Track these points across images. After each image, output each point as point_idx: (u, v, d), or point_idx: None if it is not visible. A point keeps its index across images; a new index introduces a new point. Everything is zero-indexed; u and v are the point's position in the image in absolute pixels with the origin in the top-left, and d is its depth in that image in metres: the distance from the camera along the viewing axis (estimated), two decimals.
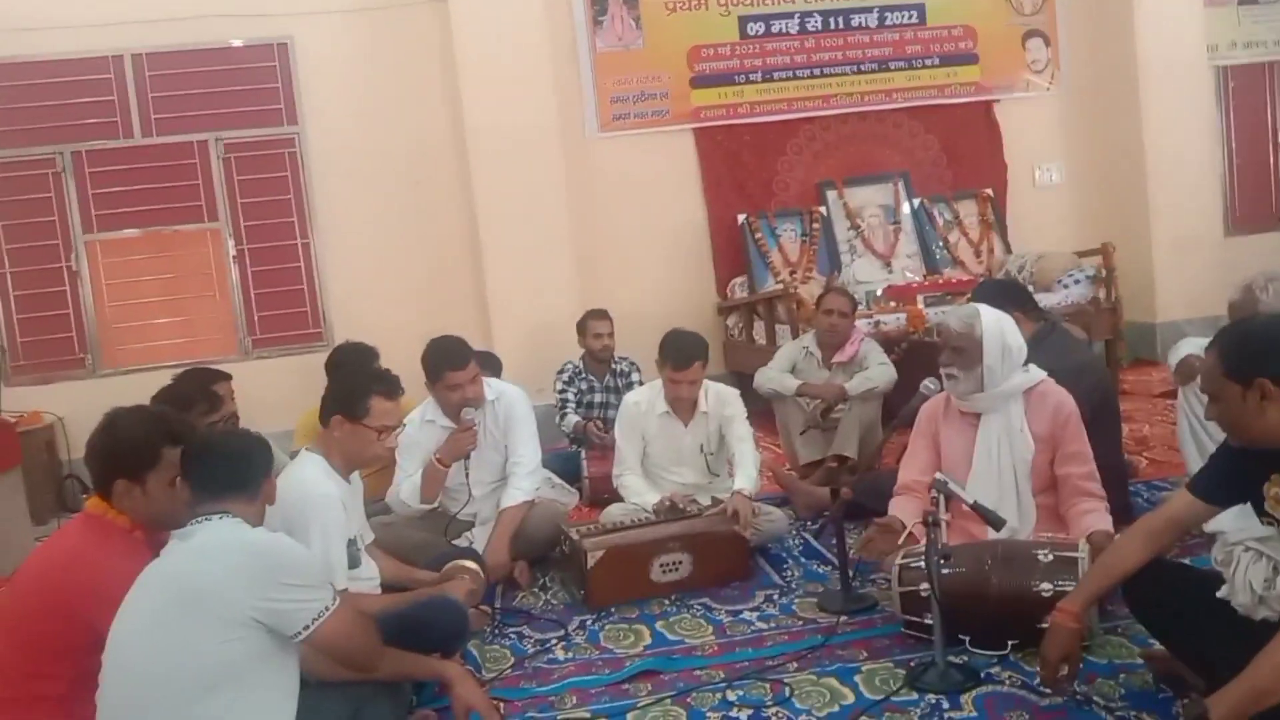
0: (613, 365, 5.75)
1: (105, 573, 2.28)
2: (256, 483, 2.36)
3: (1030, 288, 6.41)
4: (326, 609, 2.19)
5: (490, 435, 4.10)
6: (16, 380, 6.72)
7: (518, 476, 4.07)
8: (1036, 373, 3.38)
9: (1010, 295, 3.99)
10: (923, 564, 2.81)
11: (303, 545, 2.43)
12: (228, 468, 2.34)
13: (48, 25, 6.57)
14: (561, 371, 5.75)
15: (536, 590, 3.89)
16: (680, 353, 4.15)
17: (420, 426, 4.05)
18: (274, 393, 6.06)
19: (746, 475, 4.03)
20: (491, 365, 5.17)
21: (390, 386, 3.20)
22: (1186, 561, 3.16)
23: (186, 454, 2.39)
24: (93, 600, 2.24)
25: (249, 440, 2.46)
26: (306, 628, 2.15)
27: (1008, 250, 7.49)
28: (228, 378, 4.16)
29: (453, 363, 3.96)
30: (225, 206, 6.93)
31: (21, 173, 6.73)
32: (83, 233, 6.80)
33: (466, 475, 3.99)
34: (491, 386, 4.16)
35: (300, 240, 7.04)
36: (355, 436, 3.10)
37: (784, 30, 7.63)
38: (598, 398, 5.69)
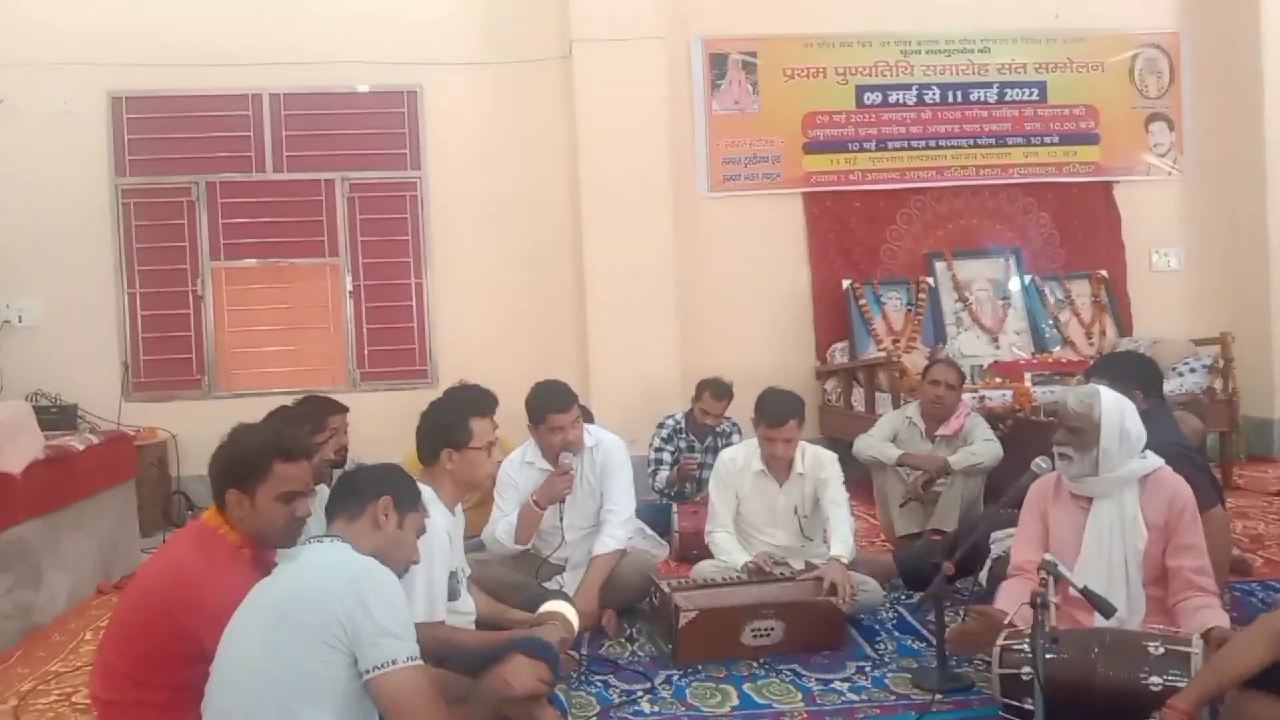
0: (718, 427, 5.71)
1: (209, 589, 2.34)
2: (359, 504, 2.43)
3: None
4: (394, 662, 2.14)
5: (586, 481, 4.14)
6: (136, 396, 7.02)
7: (611, 524, 4.09)
8: (1154, 459, 3.27)
9: (1136, 370, 3.84)
10: (1026, 646, 2.73)
11: (404, 594, 2.38)
12: (336, 493, 2.47)
13: (194, 63, 6.96)
14: (661, 426, 5.72)
15: (623, 640, 3.88)
16: (775, 410, 4.14)
17: (520, 467, 4.12)
18: (376, 426, 6.18)
19: (843, 542, 3.97)
20: (585, 415, 5.21)
21: (480, 404, 3.32)
22: None
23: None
24: (197, 615, 2.31)
25: (362, 469, 2.56)
26: (372, 670, 2.13)
27: (1121, 333, 7.31)
28: (344, 410, 4.28)
29: (557, 405, 4.02)
30: (346, 243, 7.20)
31: (159, 199, 7.09)
32: (210, 260, 7.12)
33: (561, 519, 4.03)
34: (590, 434, 4.20)
35: (414, 280, 7.27)
36: (466, 462, 3.20)
37: (900, 101, 7.65)
38: (696, 458, 5.63)
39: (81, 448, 4.67)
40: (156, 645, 2.36)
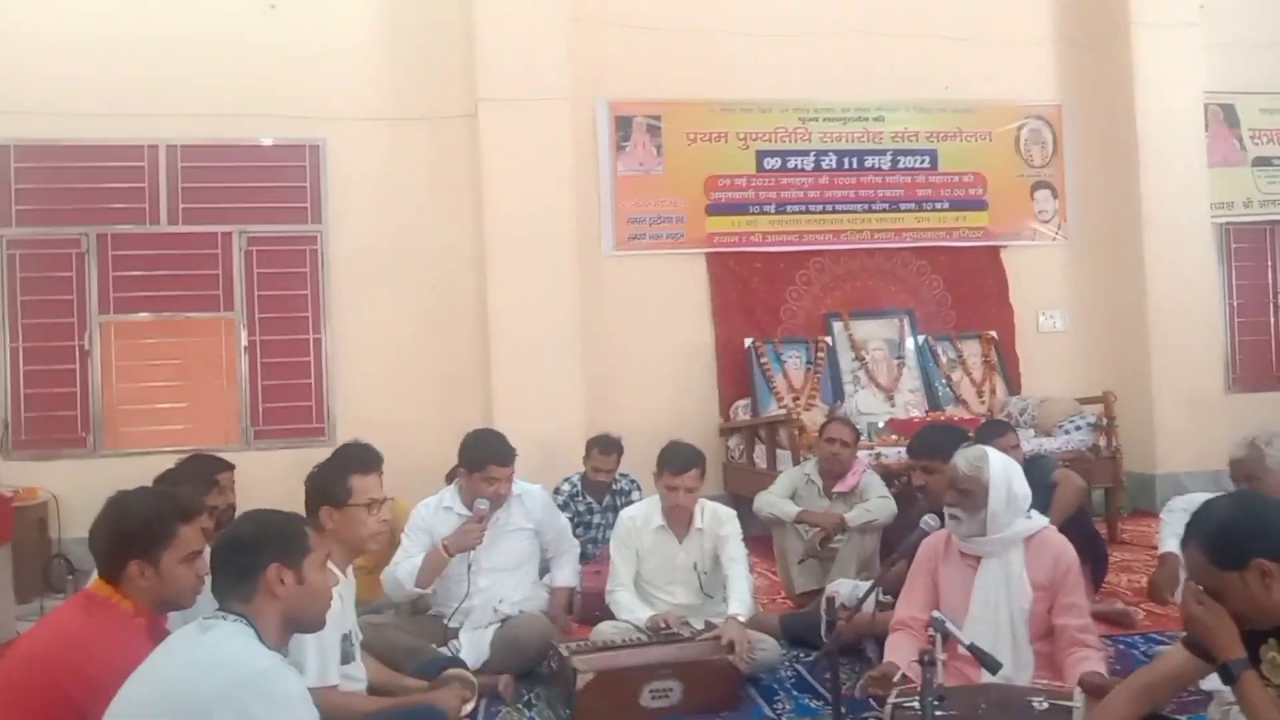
0: (612, 485, 5.71)
1: (100, 661, 2.23)
2: (248, 582, 2.19)
3: (1031, 431, 6.50)
4: None
5: (510, 526, 4.23)
6: (16, 455, 6.73)
7: (569, 557, 4.38)
8: (1038, 520, 3.38)
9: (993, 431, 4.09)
10: (917, 704, 2.77)
11: (303, 690, 2.17)
12: (219, 575, 2.23)
13: (89, 111, 6.82)
14: (558, 492, 5.64)
15: (521, 706, 3.81)
16: (677, 458, 4.18)
17: (435, 511, 4.15)
18: (271, 484, 6.01)
19: (740, 600, 3.99)
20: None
21: (363, 461, 3.24)
22: (1182, 719, 3.11)
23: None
24: (83, 688, 2.20)
25: (232, 541, 2.27)
26: None
27: (1010, 392, 7.57)
28: (230, 468, 4.18)
29: (500, 458, 4.11)
30: (242, 297, 7.05)
31: (46, 251, 6.88)
32: (99, 313, 6.90)
33: (469, 567, 4.01)
34: (518, 486, 4.30)
35: (313, 335, 7.15)
36: (347, 520, 3.11)
37: (799, 166, 7.88)
38: (595, 519, 5.61)
39: None
40: (38, 717, 2.23)
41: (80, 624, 2.37)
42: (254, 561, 2.21)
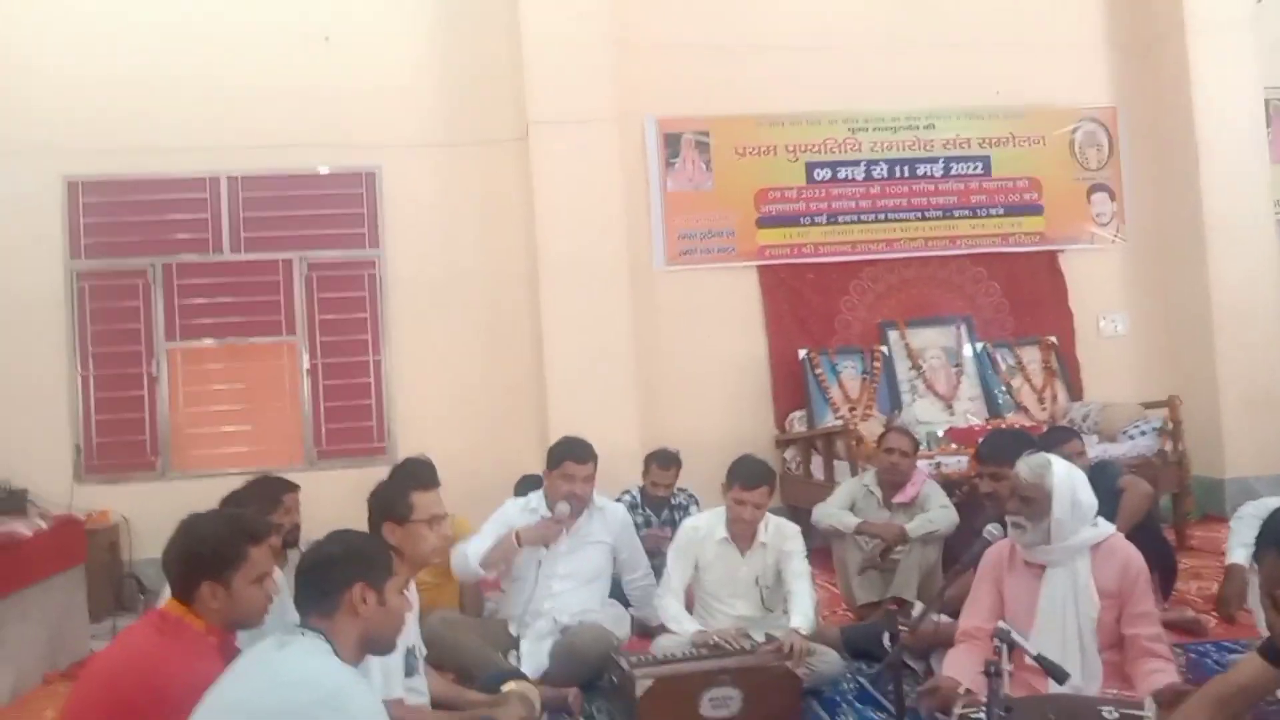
0: (671, 500, 5.71)
1: (174, 679, 2.29)
2: (332, 599, 2.25)
3: (1094, 437, 6.39)
4: None
5: (587, 538, 4.33)
6: (88, 479, 6.91)
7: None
8: (1105, 527, 3.33)
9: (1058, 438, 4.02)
10: (983, 715, 2.74)
11: (379, 704, 2.23)
12: (303, 590, 2.30)
13: (151, 147, 7.02)
14: (617, 501, 5.71)
15: (584, 719, 3.83)
16: (750, 473, 4.20)
17: (521, 511, 4.29)
18: (335, 504, 6.10)
19: (803, 614, 3.98)
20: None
21: (424, 478, 3.30)
22: None
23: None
24: (161, 705, 2.25)
25: (321, 556, 2.35)
26: None
27: (1072, 397, 7.45)
28: (295, 489, 4.24)
29: (576, 455, 4.26)
30: (304, 322, 7.20)
31: (114, 282, 7.08)
32: (165, 340, 7.08)
33: (538, 567, 4.14)
34: (600, 499, 4.45)
35: (373, 357, 7.27)
36: (409, 536, 3.15)
37: (849, 176, 7.85)
38: (666, 530, 5.61)
39: (29, 533, 4.58)
40: None
41: (155, 643, 2.43)
42: (340, 580, 2.28)
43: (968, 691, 3.13)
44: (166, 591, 2.59)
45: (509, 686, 3.36)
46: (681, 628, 4.07)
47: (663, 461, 5.70)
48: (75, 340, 7.01)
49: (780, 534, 4.26)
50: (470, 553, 4.17)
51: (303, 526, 4.31)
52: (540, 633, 4.11)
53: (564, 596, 4.26)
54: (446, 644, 3.77)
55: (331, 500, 5.86)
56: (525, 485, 6.06)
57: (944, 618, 3.76)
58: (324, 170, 7.31)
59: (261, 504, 3.95)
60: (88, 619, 5.31)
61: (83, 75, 7.02)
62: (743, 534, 4.25)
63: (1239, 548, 4.08)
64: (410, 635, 3.16)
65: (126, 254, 7.08)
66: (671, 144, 7.65)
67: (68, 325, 7.00)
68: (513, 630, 4.17)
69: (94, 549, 5.83)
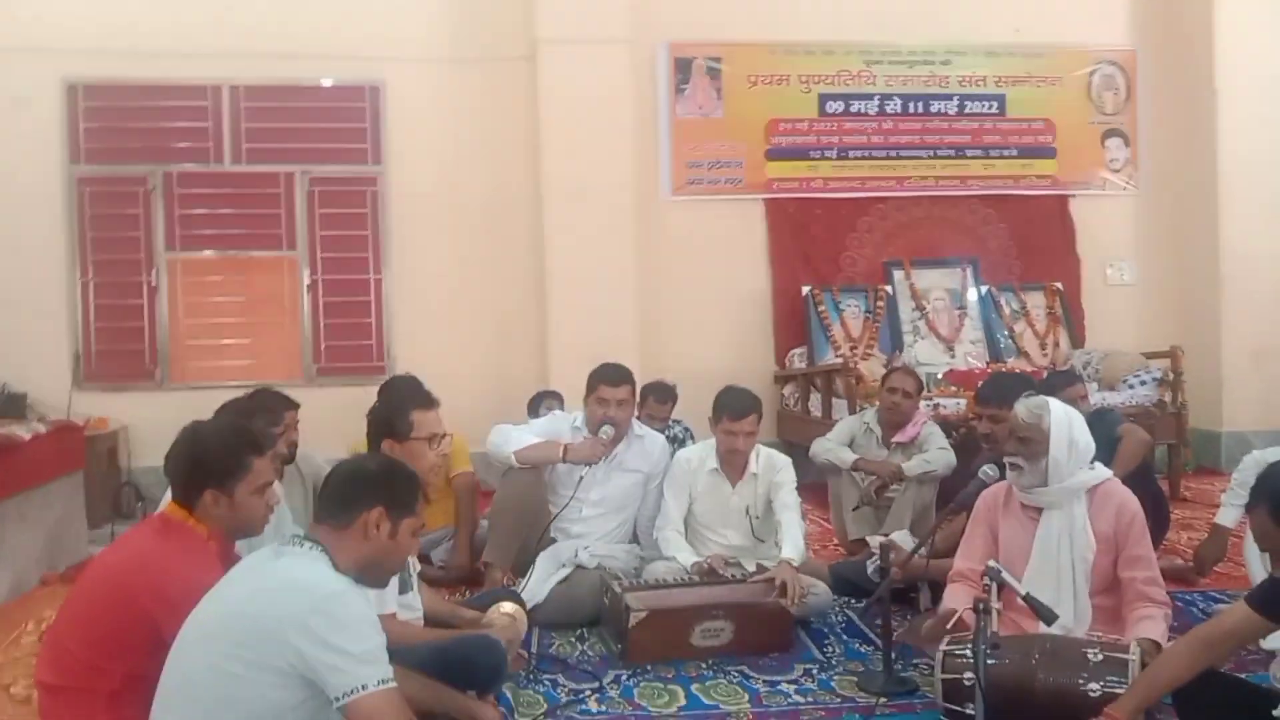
0: (666, 431, 5.71)
1: (176, 579, 2.31)
2: (349, 513, 2.24)
3: (1095, 385, 6.39)
4: (364, 687, 2.05)
5: (623, 464, 4.31)
6: (87, 386, 6.91)
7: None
8: (1102, 471, 3.33)
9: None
10: (968, 652, 2.76)
11: (373, 615, 2.23)
12: (326, 496, 2.31)
13: (154, 52, 6.89)
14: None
15: (574, 640, 3.88)
16: (737, 404, 4.19)
17: (571, 428, 4.32)
18: (332, 420, 6.13)
19: (794, 545, 3.99)
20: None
21: (424, 398, 3.31)
22: (1243, 677, 3.06)
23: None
24: (160, 603, 2.28)
25: (356, 470, 2.37)
26: (343, 697, 2.05)
27: (1074, 345, 7.43)
28: (295, 406, 4.24)
29: (607, 378, 4.22)
30: (304, 237, 7.14)
31: (114, 189, 7.01)
32: (165, 250, 7.03)
33: (579, 481, 4.18)
34: (640, 428, 4.45)
35: (373, 275, 7.23)
36: (408, 454, 3.15)
37: (863, 110, 7.73)
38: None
39: (28, 437, 4.60)
40: (115, 630, 2.33)
41: (157, 545, 2.45)
42: (365, 497, 2.27)
43: (958, 622, 3.15)
44: (167, 497, 2.60)
45: (503, 607, 3.38)
46: (683, 559, 4.09)
47: (659, 395, 5.69)
48: (76, 246, 6.96)
49: (771, 465, 4.28)
50: (513, 437, 4.20)
51: (300, 442, 4.33)
52: (558, 556, 4.12)
53: (593, 521, 4.27)
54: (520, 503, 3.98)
55: (329, 417, 5.91)
56: (537, 401, 6.08)
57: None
58: (327, 83, 7.19)
59: (263, 416, 3.95)
60: (86, 524, 5.37)
61: None
62: (733, 465, 4.26)
63: (1230, 508, 4.11)
64: None
65: (127, 160, 7.00)
66: (682, 69, 7.52)
67: (67, 231, 6.94)
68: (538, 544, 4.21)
69: (93, 456, 5.88)
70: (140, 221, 7.02)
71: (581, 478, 4.20)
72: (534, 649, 3.72)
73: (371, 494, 2.28)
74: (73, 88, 6.92)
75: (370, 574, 2.32)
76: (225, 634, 2.09)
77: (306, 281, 7.15)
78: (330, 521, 2.26)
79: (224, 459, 2.48)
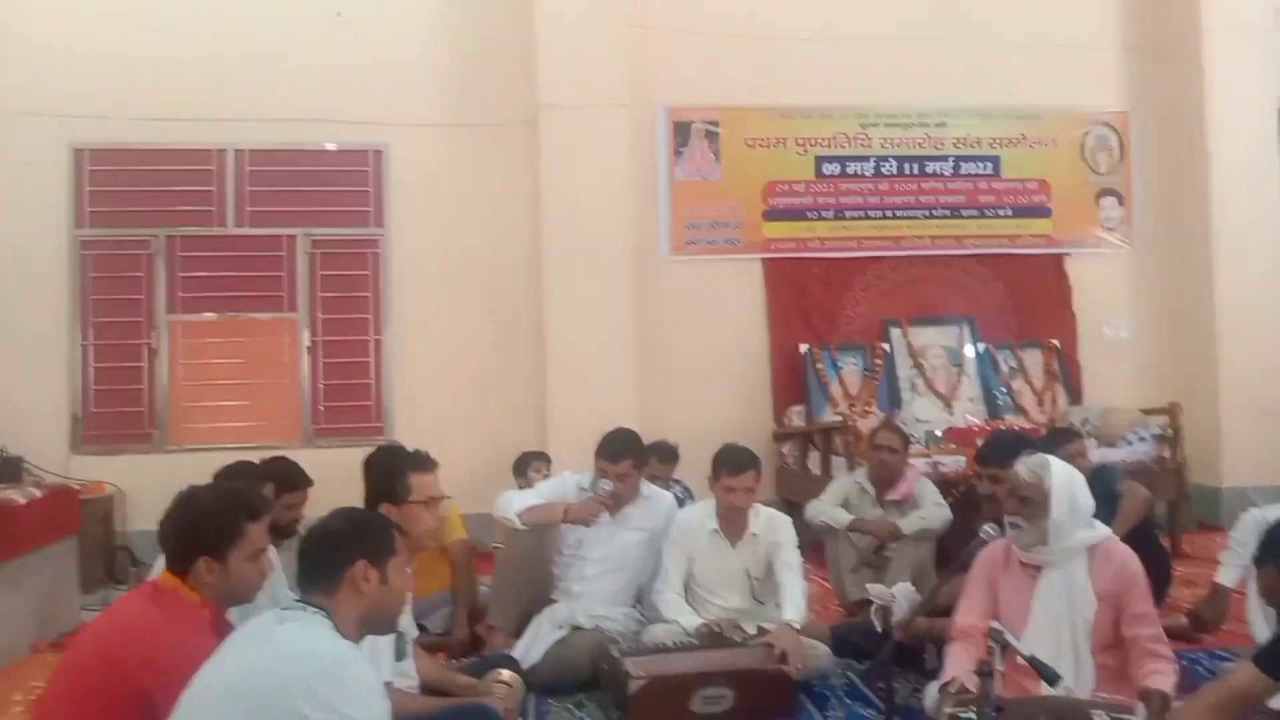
0: (667, 490, 5.67)
1: (168, 648, 2.28)
2: (334, 575, 2.23)
3: (1093, 441, 6.38)
4: None
5: (628, 524, 4.29)
6: (84, 449, 6.90)
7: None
8: (1102, 529, 3.31)
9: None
10: (974, 715, 2.73)
11: (376, 681, 2.23)
12: (305, 565, 2.28)
13: (159, 116, 6.99)
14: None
15: (571, 706, 3.82)
16: (735, 459, 4.18)
17: (576, 488, 4.29)
18: (331, 483, 6.09)
19: (795, 607, 3.95)
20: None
21: (421, 460, 3.28)
22: None
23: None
24: (154, 672, 2.24)
25: (324, 533, 2.33)
26: None
27: (1072, 401, 7.43)
28: (311, 483, 4.24)
29: (606, 454, 4.20)
30: (305, 298, 7.18)
31: (116, 251, 7.06)
32: (166, 312, 7.06)
33: (579, 545, 4.19)
34: (648, 488, 4.43)
35: (373, 337, 7.25)
36: (406, 517, 3.12)
37: (859, 171, 7.82)
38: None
39: (23, 501, 4.58)
40: (106, 702, 2.28)
41: (149, 613, 2.41)
42: (343, 556, 2.26)
43: (960, 689, 3.11)
44: (160, 564, 2.57)
45: (501, 675, 3.34)
46: (685, 622, 4.04)
47: (664, 456, 5.70)
48: (77, 309, 6.99)
49: (771, 525, 4.25)
50: (515, 500, 4.20)
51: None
52: (555, 618, 4.09)
53: (596, 580, 4.23)
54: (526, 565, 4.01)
55: (328, 479, 5.88)
56: (522, 462, 6.07)
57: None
58: (331, 146, 7.28)
59: (278, 480, 3.97)
60: (79, 590, 5.31)
61: (93, 44, 7.00)
62: (733, 525, 4.23)
63: (1231, 568, 4.09)
64: (401, 620, 3.13)
65: (131, 224, 7.06)
66: (681, 132, 7.62)
67: (70, 293, 6.98)
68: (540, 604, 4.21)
69: (88, 519, 5.83)
70: (142, 284, 7.06)
71: (580, 539, 4.17)
72: (530, 717, 3.66)
73: (347, 550, 2.27)
74: (79, 152, 7.01)
75: (376, 624, 2.31)
76: (233, 702, 2.05)
77: (306, 343, 7.17)
78: (319, 588, 2.24)
79: (218, 525, 2.45)
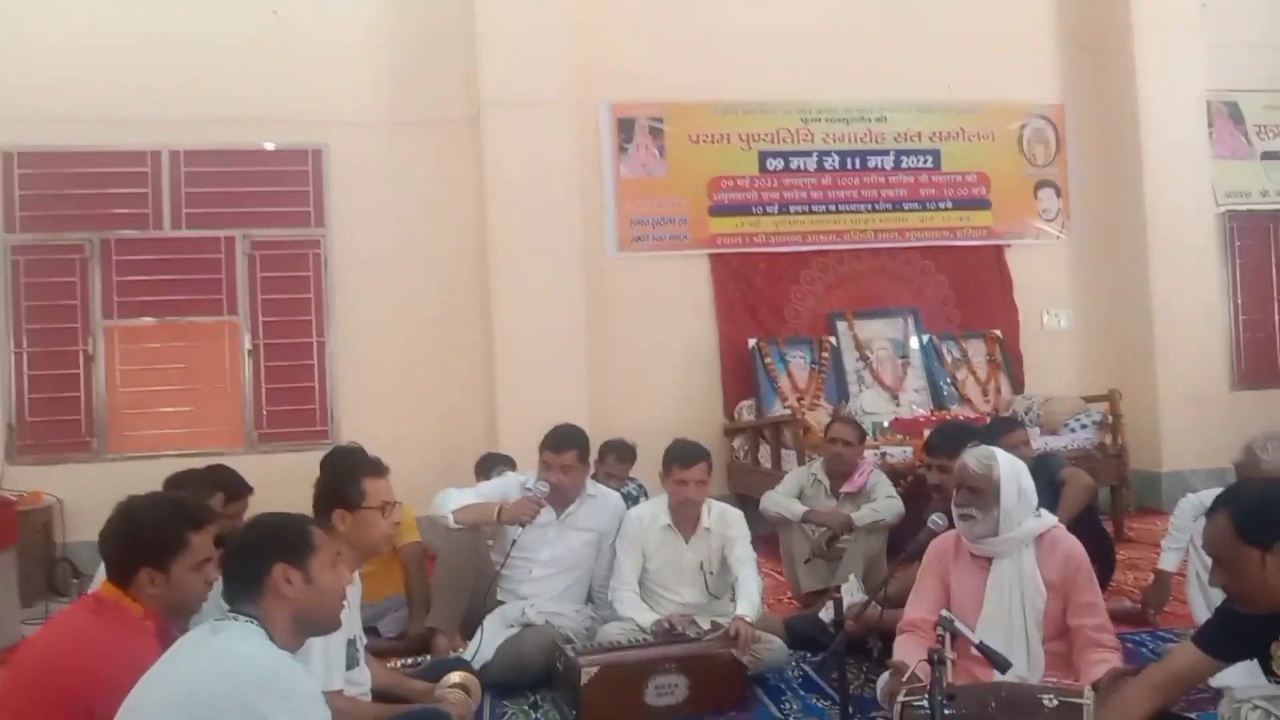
0: (621, 488, 5.67)
1: (112, 661, 2.23)
2: (255, 584, 2.19)
3: (1036, 430, 6.49)
4: None
5: (574, 524, 4.25)
6: (20, 459, 6.73)
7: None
8: (1048, 518, 3.36)
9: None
10: (925, 703, 2.75)
11: (315, 689, 2.19)
12: (228, 579, 2.24)
13: (91, 118, 6.82)
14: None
15: (528, 708, 3.80)
16: (686, 452, 4.18)
17: (519, 487, 4.25)
18: (275, 488, 6.00)
19: (749, 601, 3.97)
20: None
21: (375, 465, 3.21)
22: (1193, 716, 3.09)
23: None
24: (96, 687, 2.19)
25: (236, 545, 2.28)
26: None
27: (1015, 390, 7.56)
28: (252, 491, 4.18)
29: (551, 445, 4.19)
30: (245, 301, 7.06)
31: (50, 256, 6.89)
32: (103, 318, 6.90)
33: (511, 544, 4.10)
34: (594, 487, 4.39)
35: (316, 339, 7.15)
36: (360, 523, 3.07)
37: (802, 167, 7.87)
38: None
39: None
40: (48, 717, 2.23)
41: (91, 626, 2.36)
42: (259, 564, 2.21)
43: (912, 677, 3.14)
44: (101, 574, 2.51)
45: (453, 678, 3.31)
46: (641, 619, 4.03)
47: (620, 454, 5.72)
48: (9, 316, 6.81)
49: (724, 520, 4.25)
50: (450, 500, 4.14)
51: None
52: (505, 618, 4.05)
53: (543, 582, 4.20)
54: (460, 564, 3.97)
55: (271, 484, 5.79)
56: (486, 464, 6.01)
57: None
58: (269, 146, 7.16)
59: (224, 490, 3.90)
60: (19, 603, 5.18)
61: (21, 42, 6.82)
62: (686, 520, 4.23)
63: (1171, 553, 4.19)
64: (353, 627, 3.09)
65: (64, 228, 6.89)
66: (625, 129, 7.61)
67: (1, 300, 6.80)
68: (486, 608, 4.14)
69: (26, 531, 5.69)
70: (77, 289, 6.89)
71: (514, 540, 4.10)
72: (485, 718, 3.64)
73: (262, 556, 2.22)
74: (8, 156, 6.82)
75: (312, 625, 2.27)
76: (166, 716, 2.01)
77: (248, 346, 7.05)
78: (245, 598, 2.20)
79: (160, 536, 2.40)
